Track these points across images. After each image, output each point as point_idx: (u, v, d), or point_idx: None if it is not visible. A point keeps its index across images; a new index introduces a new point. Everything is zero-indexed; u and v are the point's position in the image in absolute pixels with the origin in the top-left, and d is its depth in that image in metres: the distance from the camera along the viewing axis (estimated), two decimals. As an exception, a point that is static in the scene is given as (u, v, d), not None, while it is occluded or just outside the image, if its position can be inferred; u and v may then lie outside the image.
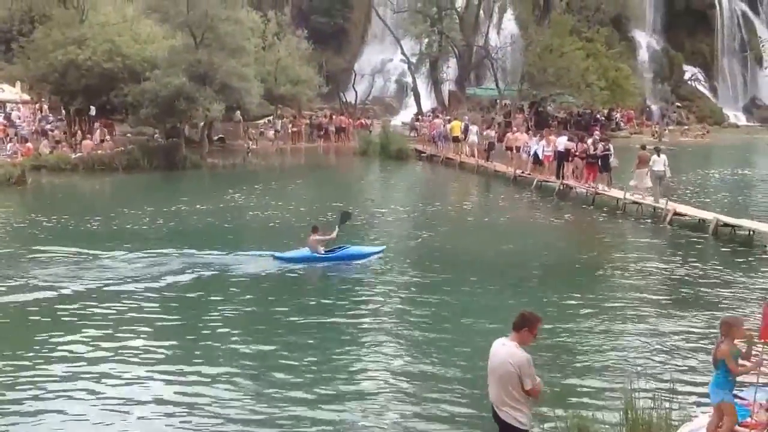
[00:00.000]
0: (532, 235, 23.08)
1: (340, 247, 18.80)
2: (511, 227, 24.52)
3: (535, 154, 31.92)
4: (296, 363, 11.92)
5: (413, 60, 58.26)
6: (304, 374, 11.50)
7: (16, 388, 10.86)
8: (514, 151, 34.40)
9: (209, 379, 11.27)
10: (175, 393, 10.82)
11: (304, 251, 18.54)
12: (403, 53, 58.09)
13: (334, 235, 18.70)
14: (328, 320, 14.29)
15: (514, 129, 38.20)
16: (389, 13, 63.08)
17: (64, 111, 42.97)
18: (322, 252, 18.49)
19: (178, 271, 17.38)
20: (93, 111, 41.88)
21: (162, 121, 38.52)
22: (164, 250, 19.22)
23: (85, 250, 19.15)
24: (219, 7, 37.47)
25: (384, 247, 19.71)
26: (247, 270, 17.56)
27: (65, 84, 39.01)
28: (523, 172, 33.21)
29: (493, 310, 14.61)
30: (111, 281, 16.44)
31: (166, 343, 12.92)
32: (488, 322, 13.71)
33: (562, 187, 29.88)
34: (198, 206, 26.40)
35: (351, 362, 12.11)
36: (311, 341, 12.98)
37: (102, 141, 38.96)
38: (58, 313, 14.42)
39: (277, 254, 18.50)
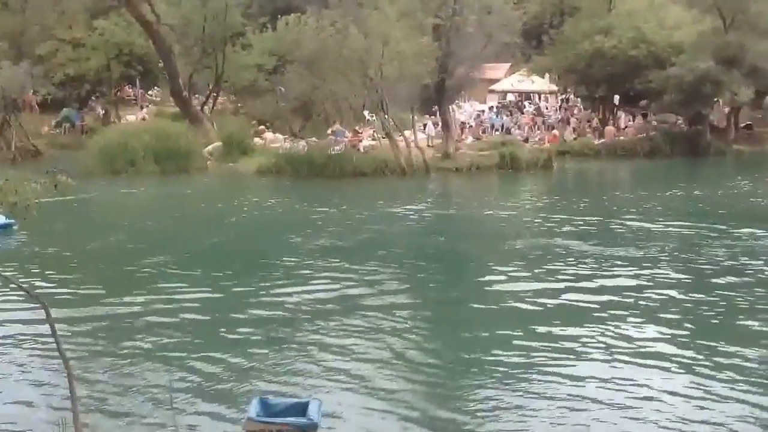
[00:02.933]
0: None
1: None
2: None
3: None
4: None
5: None
6: None
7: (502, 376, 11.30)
8: None
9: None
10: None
11: None
12: None
13: None
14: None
15: None
16: None
17: (588, 100, 44.48)
18: None
19: None
20: (616, 99, 42.67)
21: (686, 107, 37.74)
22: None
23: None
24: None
25: None
26: None
27: (591, 73, 40.32)
28: None
29: None
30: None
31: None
32: None
33: None
34: (696, 192, 26.12)
35: None
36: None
37: (624, 128, 39.62)
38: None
39: None
